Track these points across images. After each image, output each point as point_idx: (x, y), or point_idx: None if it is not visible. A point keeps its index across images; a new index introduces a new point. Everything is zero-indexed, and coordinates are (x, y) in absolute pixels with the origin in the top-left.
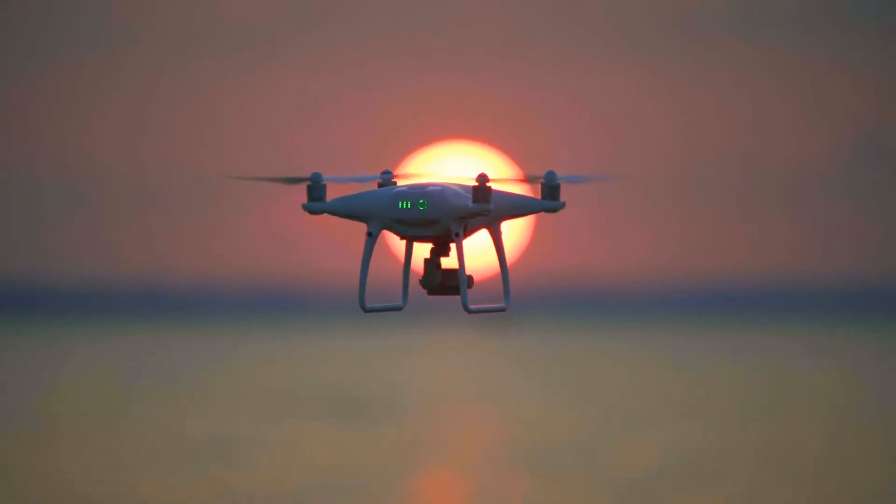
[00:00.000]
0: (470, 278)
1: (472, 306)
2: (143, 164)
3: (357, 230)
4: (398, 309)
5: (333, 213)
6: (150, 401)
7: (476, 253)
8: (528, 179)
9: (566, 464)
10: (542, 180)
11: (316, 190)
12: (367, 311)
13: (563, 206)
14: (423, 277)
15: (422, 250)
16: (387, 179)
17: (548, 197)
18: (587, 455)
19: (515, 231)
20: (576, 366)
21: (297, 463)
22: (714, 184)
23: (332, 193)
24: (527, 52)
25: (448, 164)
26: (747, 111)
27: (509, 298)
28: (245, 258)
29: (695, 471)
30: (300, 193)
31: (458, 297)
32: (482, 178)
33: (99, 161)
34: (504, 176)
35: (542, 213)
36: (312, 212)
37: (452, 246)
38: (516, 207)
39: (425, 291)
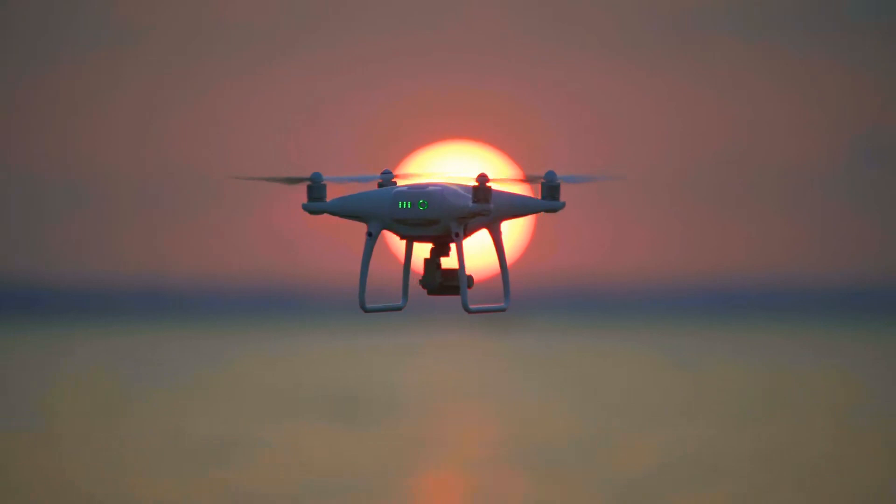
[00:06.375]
0: (470, 278)
1: (472, 306)
2: (144, 164)
3: (357, 230)
4: (398, 309)
5: (333, 213)
6: (150, 401)
7: (476, 253)
8: (528, 179)
9: (566, 463)
10: (542, 180)
11: (316, 190)
12: (367, 311)
13: (563, 206)
14: (423, 277)
15: (422, 250)
16: (387, 179)
17: (548, 197)
18: (587, 455)
19: (515, 231)
20: (576, 366)
21: (297, 463)
22: (713, 184)
23: (332, 193)
24: (527, 52)
25: (448, 164)
26: (747, 111)
27: (509, 298)
28: (245, 258)
29: (695, 471)
30: (300, 193)
31: (458, 297)
32: (482, 178)
33: (100, 161)
34: (504, 176)
35: (542, 213)
36: (312, 212)
37: (452, 246)
38: (516, 207)
39: (425, 291)
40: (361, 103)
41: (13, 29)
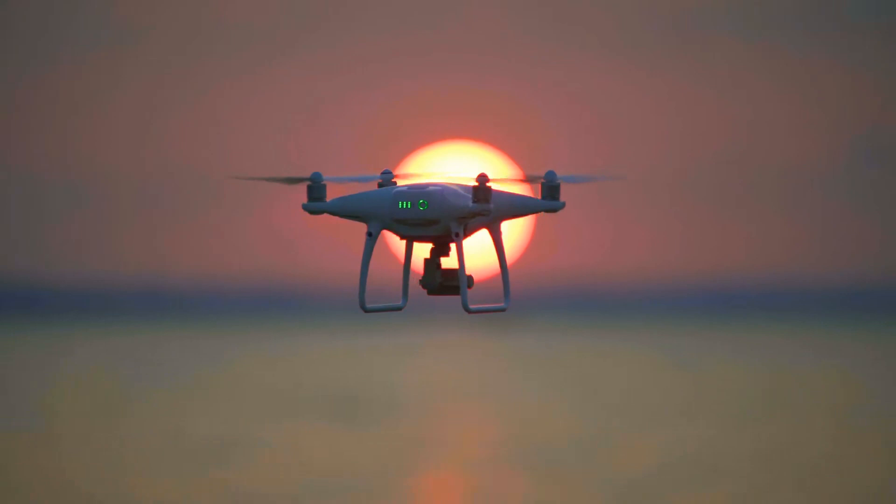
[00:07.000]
0: (470, 278)
1: (472, 306)
2: (144, 164)
3: (357, 230)
4: (398, 309)
5: (333, 213)
6: (150, 401)
7: (476, 253)
8: (528, 179)
9: (566, 463)
10: (542, 180)
11: (316, 190)
12: (367, 311)
13: (563, 206)
14: (423, 277)
15: (422, 250)
16: (387, 179)
17: (548, 197)
18: (587, 455)
19: (515, 231)
20: (576, 366)
21: (297, 463)
22: (713, 184)
23: (332, 193)
24: (527, 51)
25: (448, 164)
26: (747, 111)
27: (509, 298)
28: (245, 258)
29: (695, 471)
30: (300, 193)
31: (458, 297)
32: (482, 178)
33: (100, 161)
34: (504, 176)
35: (542, 213)
36: (312, 212)
37: (452, 246)
38: (516, 207)
39: (425, 291)
40: (361, 103)
41: (13, 29)
